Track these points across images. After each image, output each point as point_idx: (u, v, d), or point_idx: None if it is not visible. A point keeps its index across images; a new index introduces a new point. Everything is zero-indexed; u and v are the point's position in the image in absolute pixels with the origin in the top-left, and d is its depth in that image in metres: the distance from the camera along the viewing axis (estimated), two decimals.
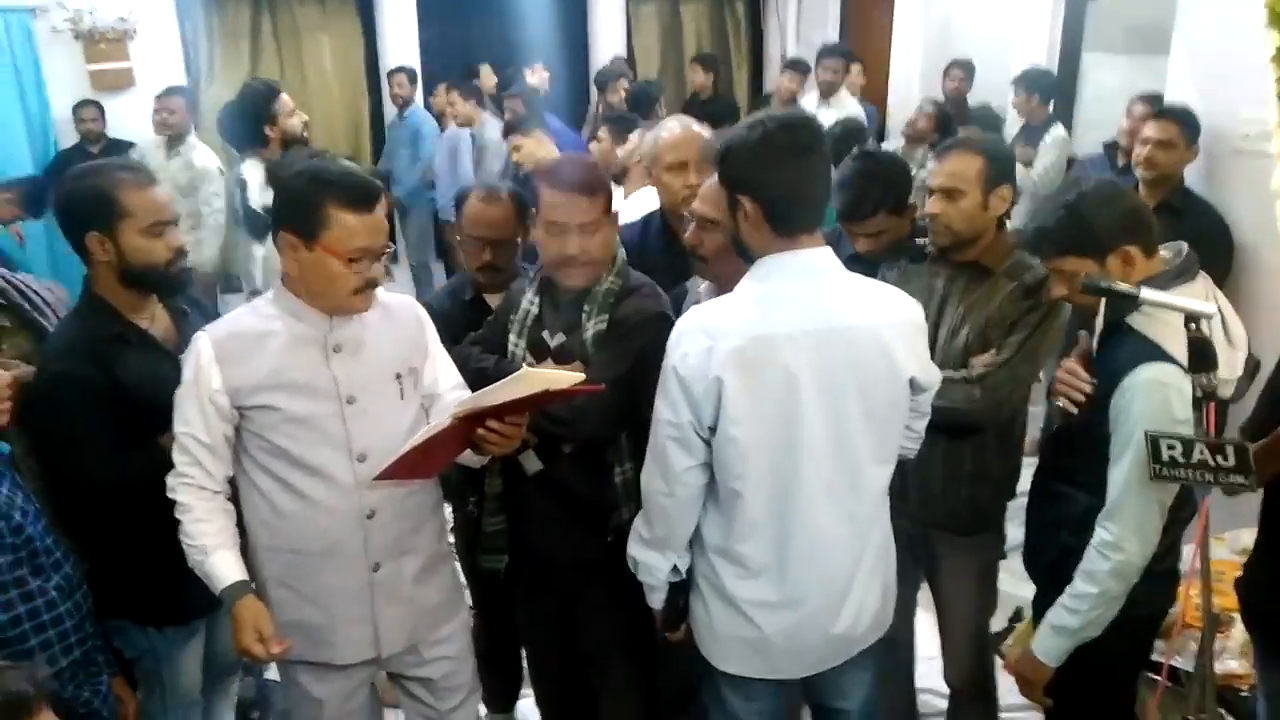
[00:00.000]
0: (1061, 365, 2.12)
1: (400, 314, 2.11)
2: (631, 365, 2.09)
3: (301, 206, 1.89)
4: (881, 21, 7.25)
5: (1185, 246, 2.04)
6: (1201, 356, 1.73)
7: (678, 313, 2.09)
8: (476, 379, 2.15)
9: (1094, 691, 2.10)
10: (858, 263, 2.31)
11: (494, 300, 2.57)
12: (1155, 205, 3.24)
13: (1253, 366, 2.12)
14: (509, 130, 4.90)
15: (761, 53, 8.58)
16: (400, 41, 7.29)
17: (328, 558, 1.99)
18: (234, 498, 2.03)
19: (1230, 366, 1.92)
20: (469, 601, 2.49)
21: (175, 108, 5.32)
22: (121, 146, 5.55)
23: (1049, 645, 2.04)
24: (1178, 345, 1.80)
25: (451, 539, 2.39)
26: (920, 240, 2.50)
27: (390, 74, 6.86)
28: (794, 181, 1.80)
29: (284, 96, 4.18)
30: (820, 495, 1.83)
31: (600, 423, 2.16)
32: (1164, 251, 2.03)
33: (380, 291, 2.03)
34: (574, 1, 7.93)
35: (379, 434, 1.98)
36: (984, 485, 2.40)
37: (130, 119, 5.76)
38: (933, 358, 1.99)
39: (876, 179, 2.49)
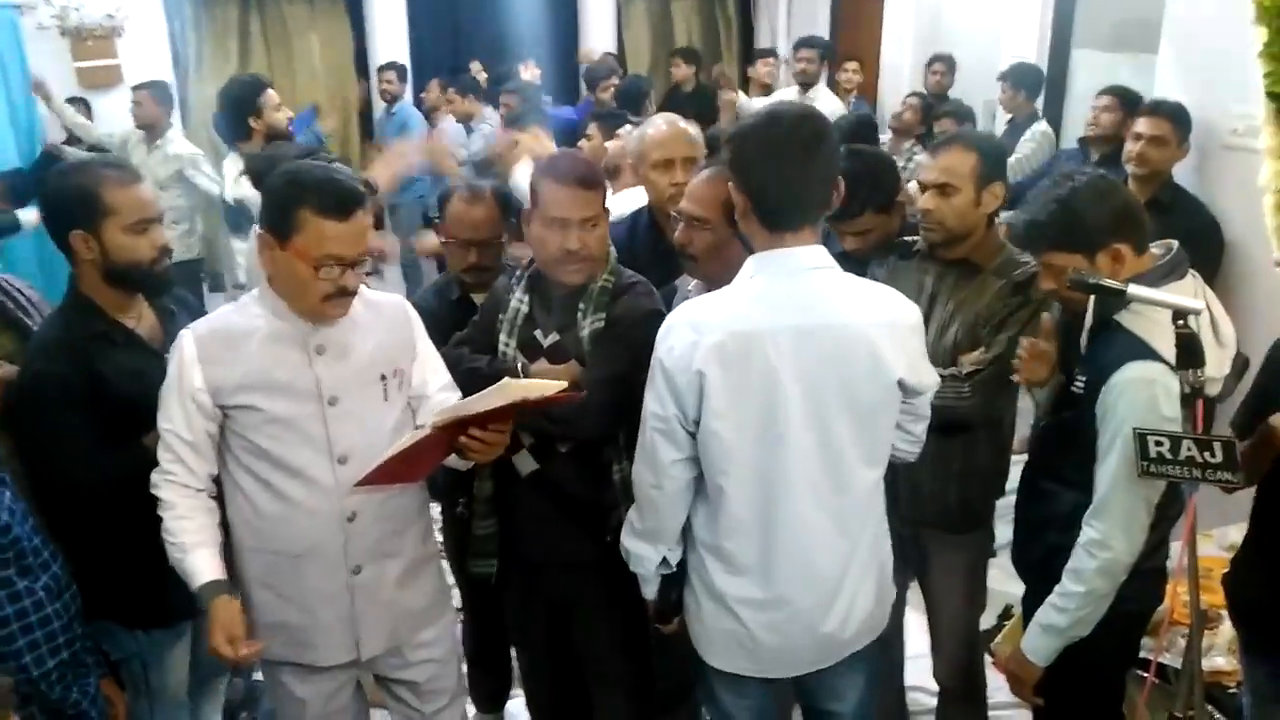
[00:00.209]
0: (1021, 342, 2.12)
1: (389, 313, 2.09)
2: (629, 362, 2.08)
3: (277, 207, 1.88)
4: (872, 17, 7.25)
5: (1175, 244, 2.03)
6: (1189, 353, 1.73)
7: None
8: (469, 380, 2.12)
9: (1083, 689, 2.10)
10: (846, 261, 2.30)
11: (481, 299, 2.54)
12: (1145, 201, 3.24)
13: (1241, 364, 2.12)
14: (508, 127, 4.92)
15: (752, 48, 8.56)
16: (390, 38, 7.27)
17: (308, 560, 1.98)
18: (219, 497, 2.02)
19: (1218, 365, 1.91)
20: (457, 603, 2.48)
21: (142, 100, 5.34)
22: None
23: (1038, 645, 2.04)
24: (1166, 343, 1.79)
25: (440, 539, 2.37)
26: (910, 238, 2.50)
27: (380, 70, 6.84)
28: (782, 178, 1.78)
29: (270, 91, 4.16)
30: (806, 494, 1.82)
31: (600, 421, 2.14)
32: (1154, 249, 2.02)
33: (369, 290, 2.02)
34: None
35: (361, 436, 1.96)
36: (974, 483, 2.40)
37: (118, 116, 5.74)
38: None
39: (863, 177, 2.46)
